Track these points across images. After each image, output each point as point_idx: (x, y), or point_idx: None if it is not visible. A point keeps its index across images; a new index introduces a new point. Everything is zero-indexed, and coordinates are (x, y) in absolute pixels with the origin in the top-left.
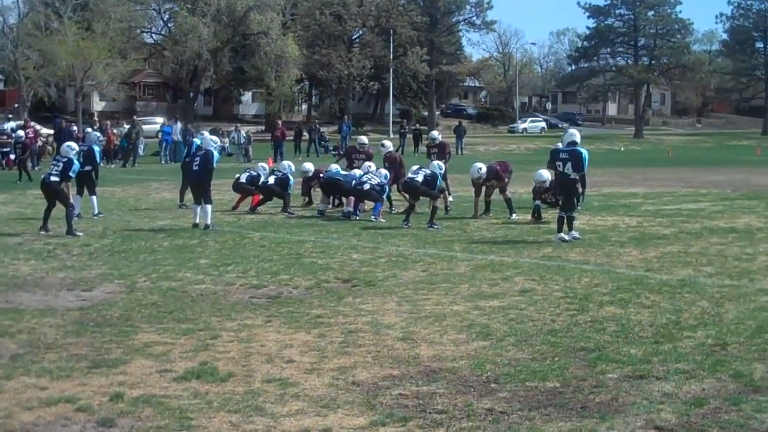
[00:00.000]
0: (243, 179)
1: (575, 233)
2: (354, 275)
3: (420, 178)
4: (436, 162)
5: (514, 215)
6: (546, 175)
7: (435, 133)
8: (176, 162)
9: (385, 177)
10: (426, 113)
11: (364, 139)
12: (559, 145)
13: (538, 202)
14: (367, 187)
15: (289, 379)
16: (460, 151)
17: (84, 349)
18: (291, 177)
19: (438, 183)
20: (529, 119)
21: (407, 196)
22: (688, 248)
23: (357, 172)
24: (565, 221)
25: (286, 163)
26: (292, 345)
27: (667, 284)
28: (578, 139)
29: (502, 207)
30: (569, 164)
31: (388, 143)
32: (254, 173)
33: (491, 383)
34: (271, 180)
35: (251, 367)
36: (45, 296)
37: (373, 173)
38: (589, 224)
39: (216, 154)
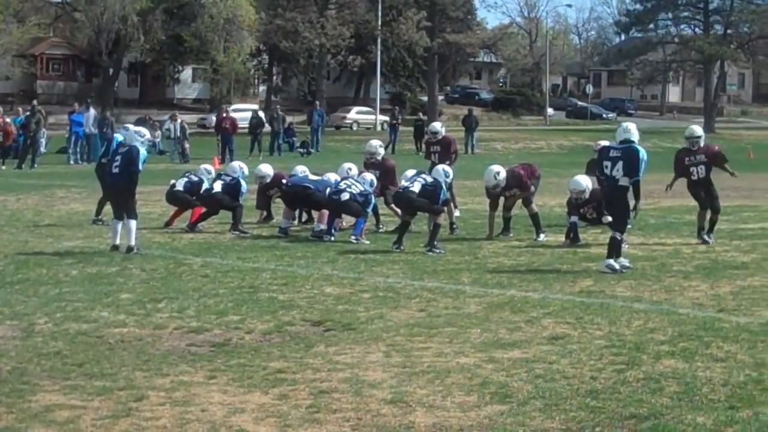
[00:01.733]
0: (180, 187)
1: (624, 261)
2: (327, 316)
3: (416, 187)
4: (441, 167)
5: (542, 236)
6: (585, 183)
7: (437, 126)
8: (90, 162)
9: (371, 184)
10: (425, 98)
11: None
12: (603, 143)
13: (574, 218)
14: (345, 197)
15: None
16: (470, 150)
17: None
18: (243, 183)
19: (441, 194)
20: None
21: (399, 211)
22: None
23: (332, 176)
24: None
25: (236, 164)
26: (244, 410)
27: (747, 329)
28: (636, 135)
29: (527, 225)
30: (620, 165)
31: (377, 145)
32: (195, 179)
33: None
34: (217, 187)
35: None
36: None
37: (354, 179)
38: (642, 248)
39: (143, 151)
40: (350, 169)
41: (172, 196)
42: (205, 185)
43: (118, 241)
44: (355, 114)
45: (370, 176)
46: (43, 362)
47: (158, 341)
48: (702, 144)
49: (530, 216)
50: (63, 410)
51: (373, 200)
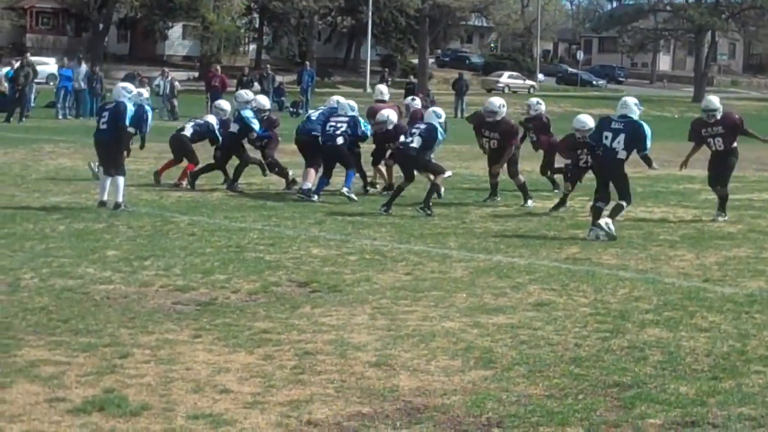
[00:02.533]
0: (187, 132)
1: (611, 224)
2: (314, 277)
3: (416, 142)
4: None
5: (530, 202)
6: (591, 122)
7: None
8: (78, 117)
9: (365, 126)
10: (416, 61)
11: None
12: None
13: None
14: (340, 141)
15: (222, 415)
16: (460, 113)
17: None
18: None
19: (439, 136)
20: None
21: (384, 172)
22: (761, 252)
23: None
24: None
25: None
26: (229, 369)
27: (732, 300)
28: (636, 112)
29: (515, 190)
30: (621, 138)
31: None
32: (201, 122)
33: (493, 427)
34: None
35: (172, 398)
36: None
37: (344, 121)
38: (629, 217)
39: (131, 107)
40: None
41: (177, 140)
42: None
43: (105, 197)
44: (507, 78)
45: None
46: (28, 317)
47: (144, 299)
48: (719, 116)
49: (517, 186)
50: (48, 366)
51: (362, 124)
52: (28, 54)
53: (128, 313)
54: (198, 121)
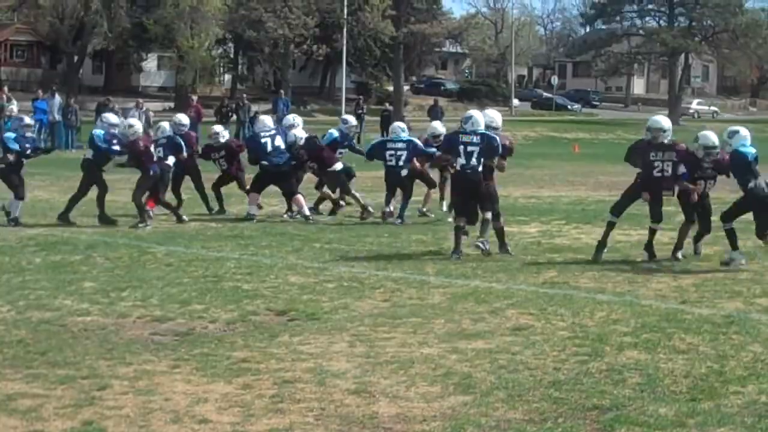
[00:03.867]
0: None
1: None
2: (292, 305)
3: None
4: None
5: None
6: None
7: (437, 126)
8: (65, 150)
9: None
10: (391, 88)
11: (437, 126)
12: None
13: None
14: (405, 173)
15: None
16: None
17: None
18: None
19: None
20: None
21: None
22: (737, 274)
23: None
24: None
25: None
26: (207, 399)
27: (709, 321)
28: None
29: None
30: (475, 152)
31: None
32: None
33: None
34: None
35: (152, 429)
36: None
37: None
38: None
39: (98, 132)
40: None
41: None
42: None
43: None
44: (696, 105)
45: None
46: (5, 350)
47: (122, 330)
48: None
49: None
50: (25, 399)
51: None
52: (5, 87)
53: (106, 345)
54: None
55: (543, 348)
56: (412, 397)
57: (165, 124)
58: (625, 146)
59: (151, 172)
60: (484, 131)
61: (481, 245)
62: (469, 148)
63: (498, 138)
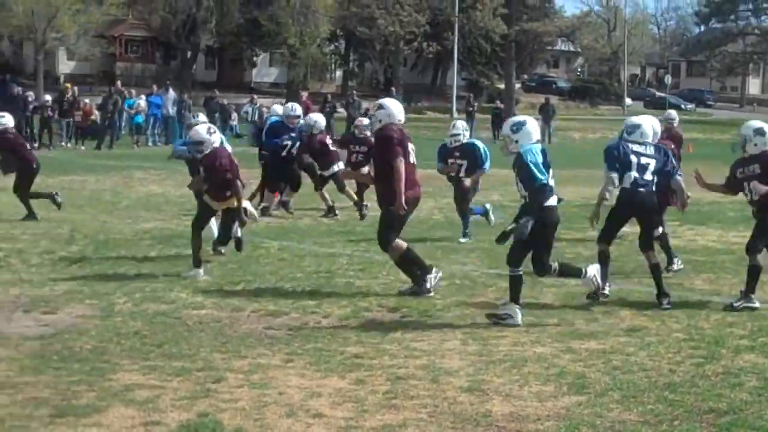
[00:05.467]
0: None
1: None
2: (404, 303)
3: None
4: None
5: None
6: None
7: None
8: (167, 144)
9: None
10: (502, 86)
11: (364, 121)
12: None
13: None
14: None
15: None
16: (548, 139)
17: (45, 392)
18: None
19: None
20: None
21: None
22: None
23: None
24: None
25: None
26: (321, 394)
27: None
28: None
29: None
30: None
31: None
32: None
33: None
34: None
35: (266, 422)
36: None
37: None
38: (721, 241)
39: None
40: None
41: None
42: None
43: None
44: None
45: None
46: (122, 342)
47: (236, 323)
48: None
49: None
50: (142, 390)
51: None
52: (118, 82)
53: (221, 338)
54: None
55: (658, 349)
56: (526, 396)
57: (276, 107)
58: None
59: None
60: (656, 144)
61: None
62: (643, 161)
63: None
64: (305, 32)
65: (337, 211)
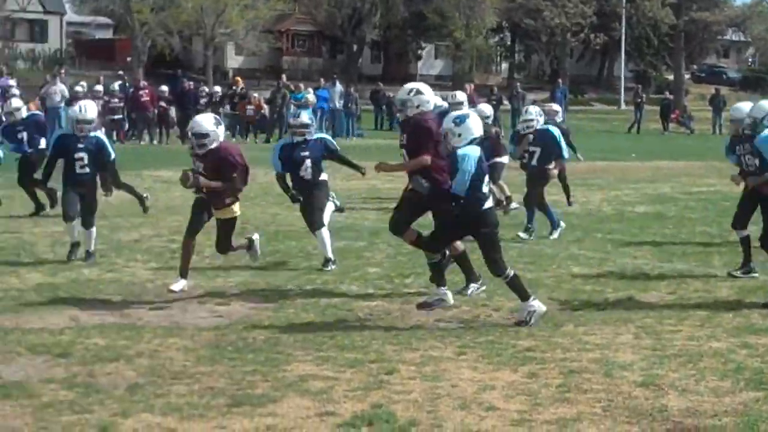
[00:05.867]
0: None
1: None
2: (575, 295)
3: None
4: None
5: None
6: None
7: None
8: (334, 137)
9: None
10: (671, 77)
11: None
12: None
13: None
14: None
15: None
16: (718, 130)
17: (221, 382)
18: None
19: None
20: None
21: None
22: None
23: None
24: None
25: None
26: (494, 387)
27: None
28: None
29: None
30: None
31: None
32: None
33: None
34: None
35: (439, 414)
36: (170, 310)
37: None
38: None
39: None
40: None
41: None
42: None
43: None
44: None
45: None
46: (295, 333)
47: (407, 316)
48: None
49: None
50: (316, 380)
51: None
52: (284, 76)
53: (392, 330)
54: None
55: None
56: (702, 392)
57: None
58: None
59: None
60: None
61: None
62: None
63: None
64: (471, 24)
65: (514, 203)
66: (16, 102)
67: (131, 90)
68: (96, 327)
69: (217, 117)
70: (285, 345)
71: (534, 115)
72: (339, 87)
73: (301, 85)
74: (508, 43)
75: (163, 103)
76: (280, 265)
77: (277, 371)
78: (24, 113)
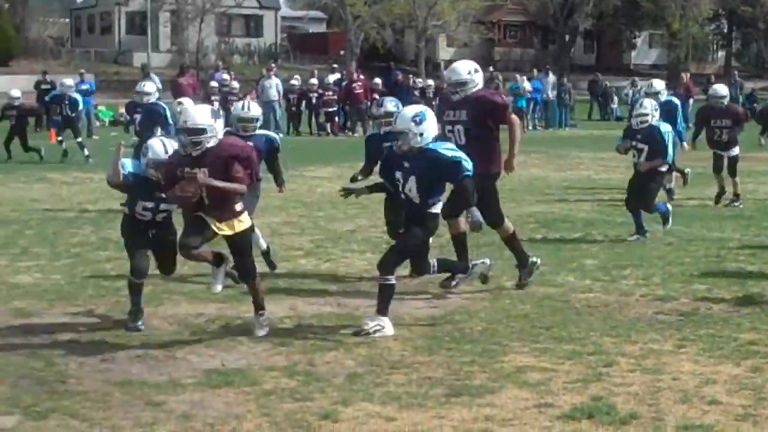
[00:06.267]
0: None
1: None
2: None
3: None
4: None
5: None
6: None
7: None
8: (547, 128)
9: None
10: None
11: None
12: None
13: None
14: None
15: (713, 427)
16: None
17: (439, 372)
18: None
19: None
20: None
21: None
22: None
23: None
24: None
25: None
26: (716, 380)
27: None
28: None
29: None
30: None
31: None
32: None
33: None
34: None
35: (660, 407)
36: None
37: None
38: None
39: None
40: None
41: None
42: None
43: None
44: None
45: None
46: (511, 324)
47: (625, 308)
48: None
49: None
50: (534, 372)
51: None
52: (490, 68)
53: (610, 322)
54: None
55: None
56: None
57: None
58: None
59: None
60: None
61: None
62: None
63: None
64: (687, 13)
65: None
66: (149, 86)
67: (345, 83)
68: (315, 316)
69: (215, 108)
70: (502, 336)
71: (649, 109)
72: (551, 77)
73: (517, 76)
74: (725, 30)
75: (376, 96)
76: (496, 255)
77: (494, 362)
78: (153, 99)
